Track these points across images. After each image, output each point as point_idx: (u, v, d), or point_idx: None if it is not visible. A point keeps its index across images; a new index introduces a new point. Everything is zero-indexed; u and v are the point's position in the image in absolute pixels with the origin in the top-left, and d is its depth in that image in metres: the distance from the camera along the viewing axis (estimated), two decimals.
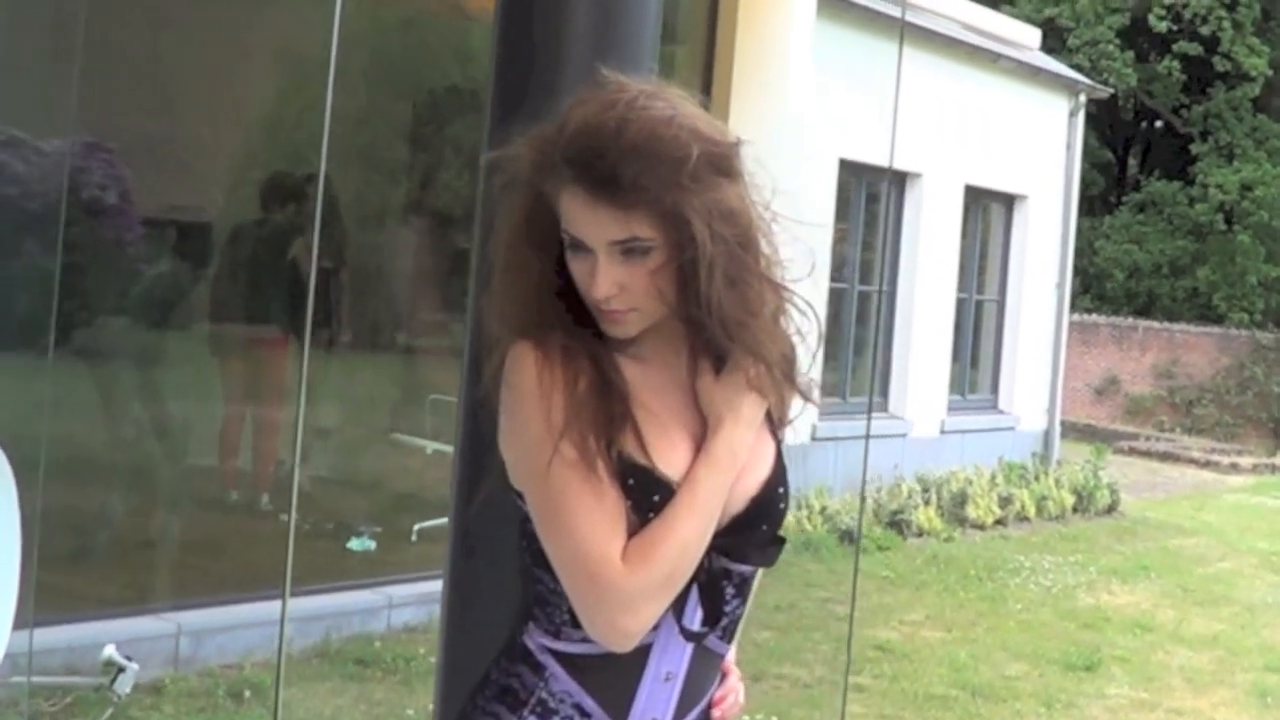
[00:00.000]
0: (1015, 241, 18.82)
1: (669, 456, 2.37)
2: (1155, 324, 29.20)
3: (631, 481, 2.33)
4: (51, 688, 6.69)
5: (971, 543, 14.10)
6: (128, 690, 4.76)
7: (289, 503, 9.56)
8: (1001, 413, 18.68)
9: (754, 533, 2.45)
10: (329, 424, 10.28)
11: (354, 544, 9.48)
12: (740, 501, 2.43)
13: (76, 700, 6.80)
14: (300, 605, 8.37)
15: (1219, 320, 30.08)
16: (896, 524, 13.86)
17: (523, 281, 2.40)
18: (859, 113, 13.90)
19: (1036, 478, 16.78)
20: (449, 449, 3.52)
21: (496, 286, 2.44)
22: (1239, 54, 30.81)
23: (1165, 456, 24.06)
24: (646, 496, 2.33)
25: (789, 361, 2.49)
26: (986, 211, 18.48)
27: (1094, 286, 32.54)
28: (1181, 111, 33.35)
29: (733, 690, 2.63)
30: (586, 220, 2.30)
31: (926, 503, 14.46)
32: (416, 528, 9.61)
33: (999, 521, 15.04)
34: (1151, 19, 31.24)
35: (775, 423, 2.55)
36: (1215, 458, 24.01)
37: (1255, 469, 23.69)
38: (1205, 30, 30.95)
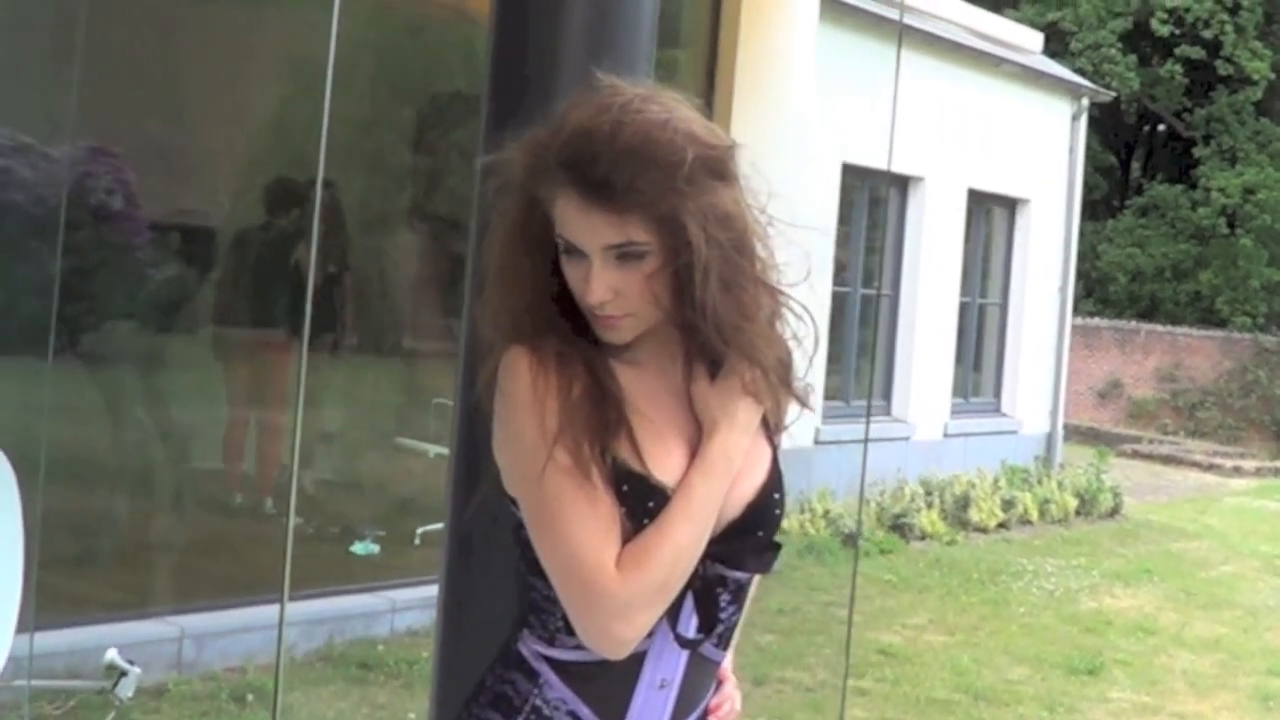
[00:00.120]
0: (1018, 245, 18.83)
1: (664, 463, 2.35)
2: (1158, 327, 29.20)
3: (626, 488, 2.30)
4: (55, 691, 6.70)
5: (974, 546, 14.09)
6: (130, 694, 4.76)
7: (294, 506, 9.59)
8: (1004, 416, 18.69)
9: (750, 539, 2.43)
10: (333, 428, 10.29)
11: (358, 548, 9.49)
12: (736, 508, 2.40)
13: (80, 704, 6.81)
14: (304, 609, 8.39)
15: (1222, 324, 30.09)
16: (899, 527, 13.86)
17: (517, 287, 2.38)
18: (861, 117, 13.91)
19: (1039, 481, 16.79)
20: None
21: (490, 292, 2.42)
22: (1241, 58, 30.82)
23: (1168, 460, 24.06)
24: (641, 503, 2.30)
25: (785, 366, 2.47)
26: (989, 215, 18.49)
27: (1097, 290, 32.55)
28: (1184, 115, 33.36)
29: (729, 698, 2.60)
30: (581, 224, 2.28)
31: (929, 506, 14.46)
32: (420, 531, 9.62)
33: (1002, 525, 15.04)
34: (1154, 23, 31.24)
35: (771, 428, 2.52)
36: (1218, 461, 24.01)
37: (1258, 472, 23.68)
38: (1207, 34, 30.95)
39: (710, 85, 10.83)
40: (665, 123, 2.28)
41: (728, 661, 2.58)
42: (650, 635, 2.33)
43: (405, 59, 10.65)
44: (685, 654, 2.39)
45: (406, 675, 8.13)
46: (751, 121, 10.72)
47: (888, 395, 16.63)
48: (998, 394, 18.83)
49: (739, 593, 2.45)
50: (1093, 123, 22.27)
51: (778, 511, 2.48)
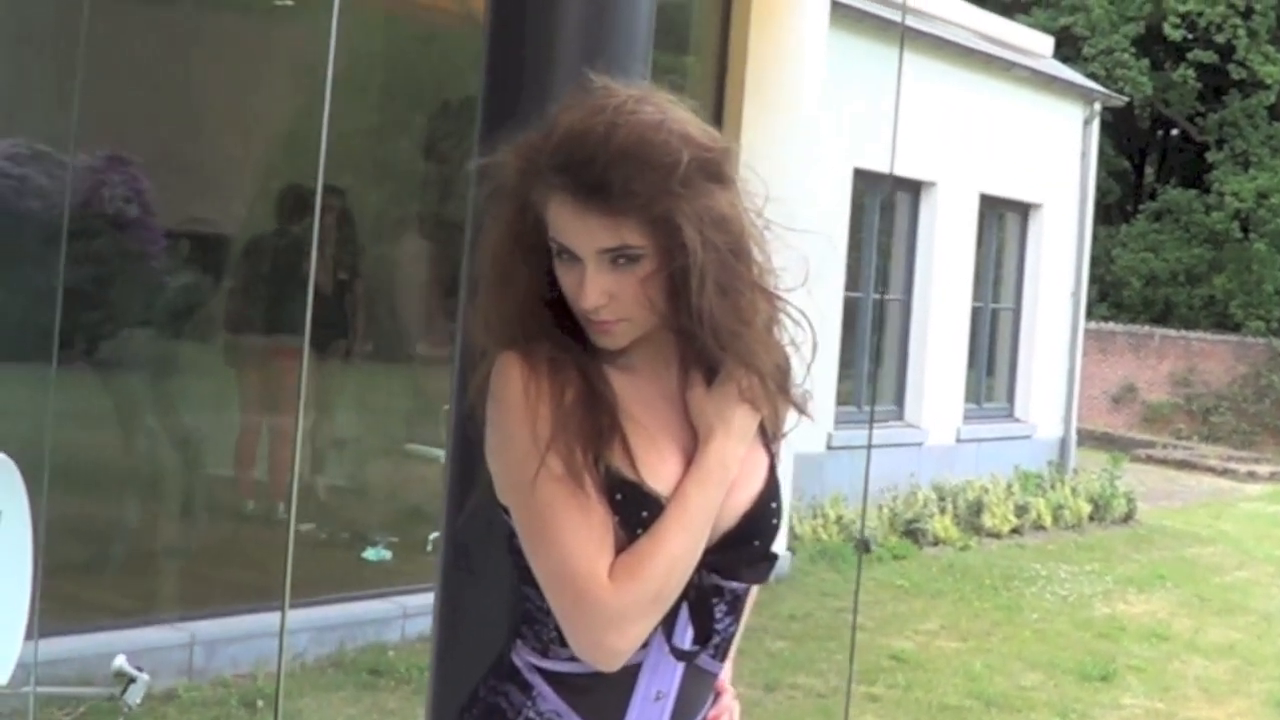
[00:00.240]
0: (1030, 250, 18.81)
1: (658, 471, 2.30)
2: (1172, 332, 29.17)
3: (619, 496, 2.26)
4: (64, 698, 6.70)
5: (987, 551, 14.08)
6: (138, 701, 4.76)
7: (306, 513, 9.59)
8: (1017, 421, 18.66)
9: (746, 549, 2.39)
10: (345, 434, 10.30)
11: (369, 554, 9.50)
12: (732, 517, 2.35)
13: (89, 710, 6.82)
14: (315, 615, 8.40)
15: (1236, 328, 30.06)
16: (912, 533, 13.84)
17: (509, 292, 2.34)
18: (872, 122, 13.89)
19: (1053, 486, 16.76)
20: None
21: (482, 297, 2.38)
22: (1254, 62, 30.79)
23: (1182, 464, 24.03)
24: (635, 512, 2.26)
25: (783, 372, 2.43)
26: (1002, 220, 18.46)
27: (1111, 295, 32.53)
28: (1197, 120, 33.34)
29: (726, 710, 2.55)
30: (575, 228, 2.24)
31: (942, 511, 14.45)
32: (432, 537, 9.60)
33: (1015, 530, 15.02)
34: (1166, 27, 31.23)
35: (769, 436, 2.47)
36: (1232, 466, 23.97)
37: (1272, 477, 23.63)
38: (1220, 38, 30.93)
39: (720, 91, 10.83)
40: (660, 124, 2.23)
41: (726, 673, 2.53)
42: (645, 647, 2.28)
43: (417, 67, 10.67)
44: (681, 666, 2.35)
45: (417, 681, 8.12)
46: (762, 127, 10.72)
47: (900, 401, 16.61)
48: (1011, 399, 18.80)
49: (736, 603, 2.40)
50: (1105, 127, 22.28)
51: (775, 521, 2.42)
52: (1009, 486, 16.08)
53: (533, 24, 2.84)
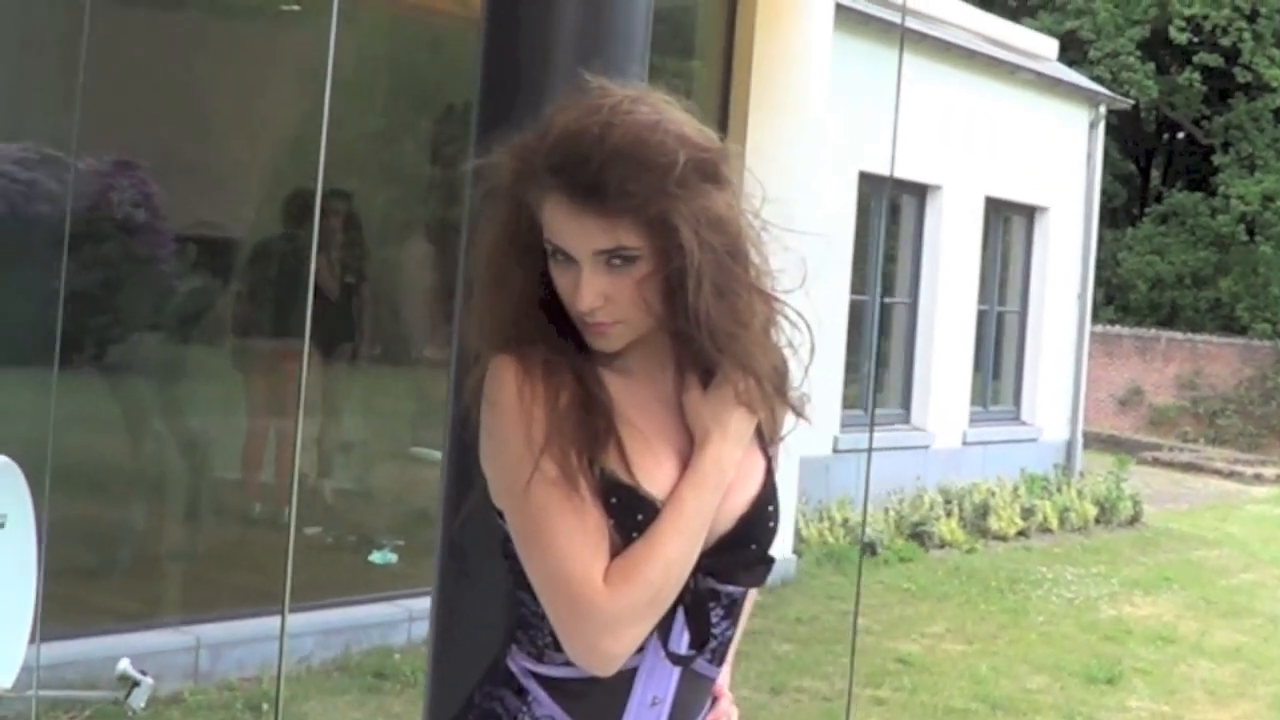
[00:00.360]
0: (1036, 253, 18.81)
1: (654, 474, 2.28)
2: (1178, 335, 29.15)
3: (614, 500, 2.24)
4: (69, 701, 6.71)
5: (994, 554, 14.07)
6: (142, 704, 4.76)
7: (312, 516, 9.61)
8: (1024, 424, 18.65)
9: (742, 553, 2.36)
10: (351, 438, 10.31)
11: (375, 557, 9.50)
12: (728, 520, 2.33)
13: (95, 714, 6.83)
14: (321, 618, 8.41)
15: (1242, 331, 30.05)
16: (918, 535, 13.84)
17: (504, 294, 2.32)
18: (878, 125, 13.89)
19: (1059, 489, 16.77)
20: None
21: (477, 299, 2.37)
22: (1259, 65, 30.79)
23: (1188, 467, 24.01)
24: (630, 516, 2.24)
25: (780, 375, 2.40)
26: (1008, 223, 18.46)
27: (1117, 298, 32.54)
28: (1203, 123, 33.35)
29: (724, 715, 2.52)
30: (570, 229, 2.22)
31: (949, 514, 14.45)
32: None
33: (1021, 533, 15.02)
34: (1172, 31, 31.22)
35: (766, 439, 2.45)
36: (1239, 468, 23.96)
37: (1279, 479, 23.61)
38: (1225, 41, 30.93)
39: (726, 95, 10.83)
40: (656, 124, 2.22)
41: (724, 678, 2.51)
42: (641, 651, 2.27)
43: (423, 70, 10.67)
44: (677, 670, 2.33)
45: (422, 684, 8.12)
46: (767, 130, 10.73)
47: (906, 404, 16.60)
48: (1017, 402, 18.79)
49: (732, 607, 2.39)
50: (1111, 131, 22.26)
51: (772, 524, 2.40)
52: (1015, 489, 16.09)
53: (528, 25, 2.82)
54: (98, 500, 8.50)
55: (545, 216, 2.25)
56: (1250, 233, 31.25)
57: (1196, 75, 31.92)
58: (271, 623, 7.89)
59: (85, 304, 8.34)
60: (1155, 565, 14.31)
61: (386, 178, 10.54)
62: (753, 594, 2.50)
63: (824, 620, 10.51)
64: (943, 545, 13.90)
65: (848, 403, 15.01)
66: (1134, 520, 16.77)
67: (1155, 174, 37.65)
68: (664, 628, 2.28)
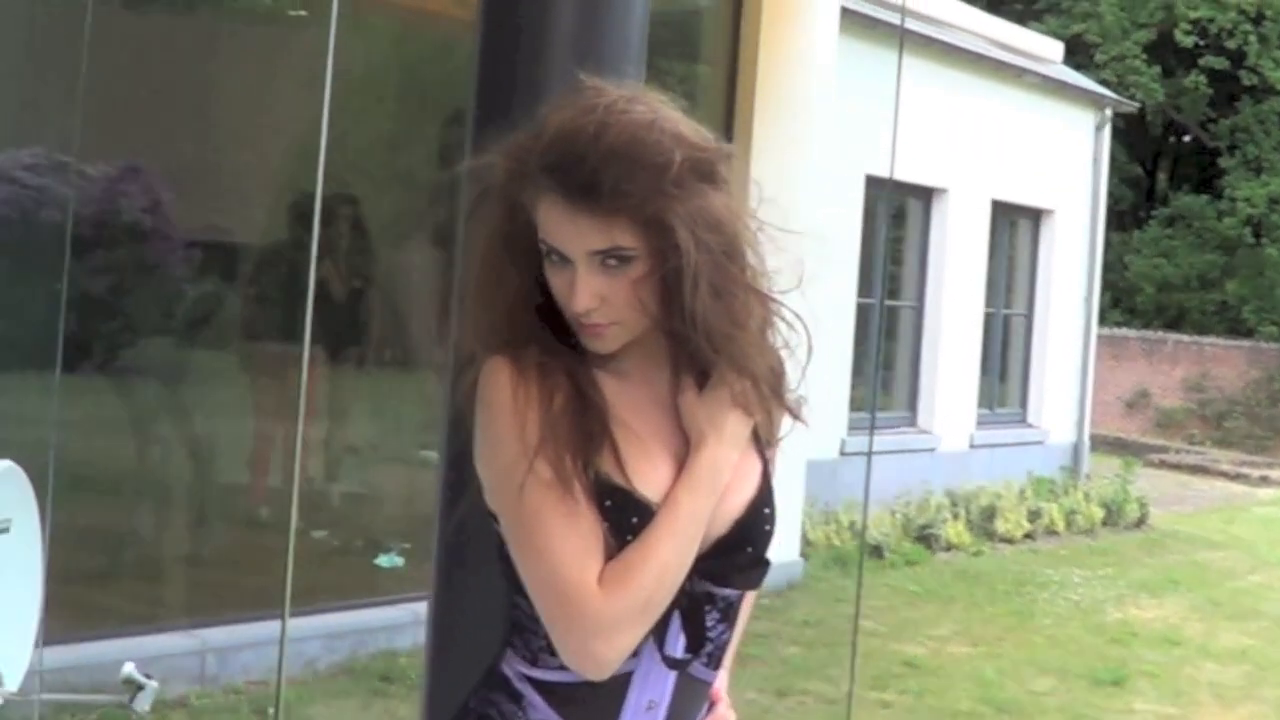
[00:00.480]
0: (1043, 256, 18.81)
1: (649, 477, 2.27)
2: (1185, 337, 29.14)
3: (609, 503, 2.22)
4: (74, 705, 6.73)
5: (1000, 557, 14.08)
6: (147, 708, 4.76)
7: (319, 520, 9.62)
8: (1030, 426, 18.65)
9: (739, 555, 2.34)
10: (359, 441, 10.32)
11: (382, 560, 9.51)
12: (724, 523, 2.31)
13: (100, 717, 6.84)
14: (327, 621, 8.43)
15: (1248, 333, 30.05)
16: (925, 538, 13.84)
17: (498, 295, 2.31)
18: (885, 129, 13.88)
19: (1065, 491, 16.78)
20: None
21: (471, 300, 2.34)
22: (1265, 68, 30.79)
23: (1195, 469, 23.98)
24: (625, 518, 2.22)
25: (777, 376, 2.39)
26: (1014, 226, 18.46)
27: (1124, 300, 32.54)
28: (1209, 126, 33.35)
29: (722, 719, 2.50)
30: (566, 229, 2.20)
31: (955, 517, 14.45)
32: None
33: (1028, 535, 15.02)
34: (1178, 34, 31.22)
35: (762, 442, 2.42)
36: (1245, 470, 23.92)
37: None
38: (1231, 44, 30.93)
39: (731, 99, 10.84)
40: (651, 123, 2.20)
41: (722, 682, 2.49)
42: (636, 655, 2.25)
43: (433, 75, 10.69)
44: (673, 675, 2.31)
45: None
46: (773, 134, 10.74)
47: (913, 406, 16.61)
48: (1023, 404, 18.79)
49: (729, 610, 2.37)
50: (1118, 134, 22.27)
51: (768, 527, 2.38)
52: (1022, 492, 16.09)
53: (525, 25, 2.82)
54: (107, 504, 8.53)
55: (540, 217, 2.23)
56: (1257, 235, 31.25)
57: (1202, 78, 31.92)
58: (278, 626, 7.90)
59: (95, 309, 8.36)
60: (1162, 567, 14.30)
61: (394, 182, 10.55)
62: (750, 597, 2.48)
63: (830, 623, 10.51)
64: (949, 548, 13.90)
65: (855, 406, 15.02)
66: (1141, 523, 16.77)
67: (1162, 177, 37.63)
68: (659, 631, 2.26)
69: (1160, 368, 28.34)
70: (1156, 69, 31.97)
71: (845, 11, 12.39)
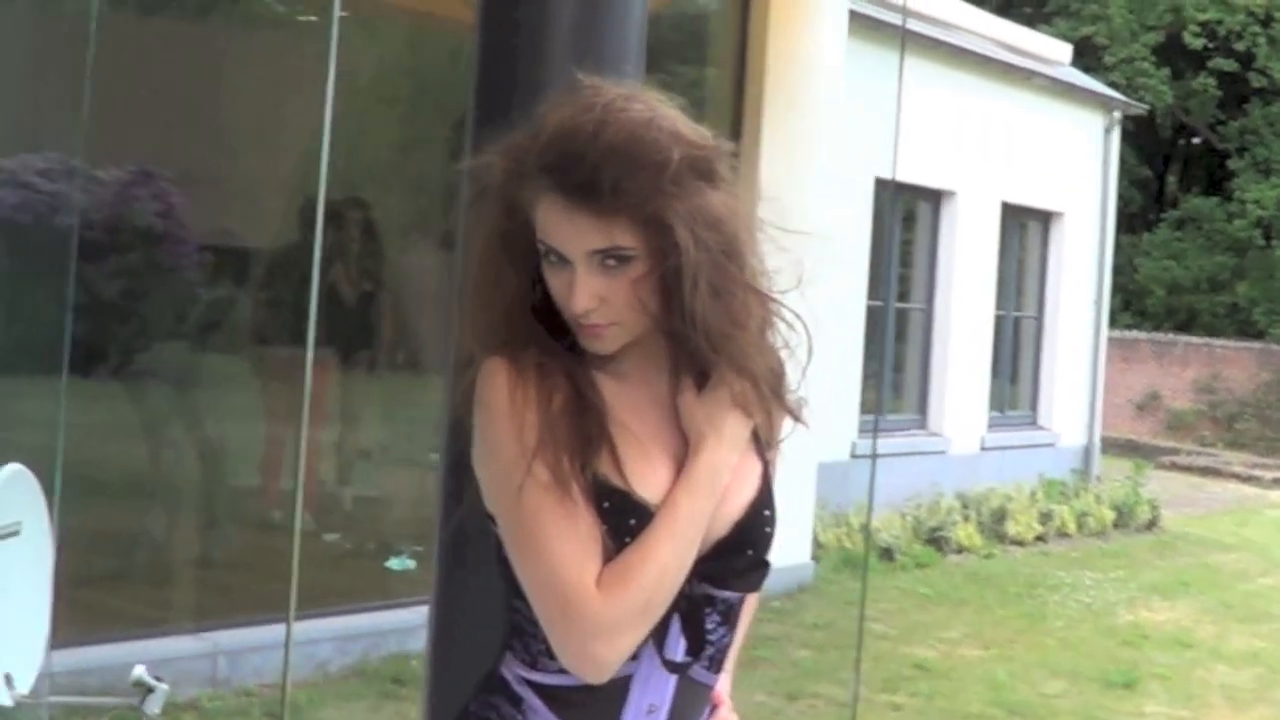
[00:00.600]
0: (1052, 258, 18.81)
1: (648, 479, 2.25)
2: (1195, 339, 29.10)
3: (607, 504, 2.21)
4: (85, 708, 6.73)
5: (1012, 559, 14.07)
6: (158, 710, 4.77)
7: (332, 523, 9.64)
8: (1041, 429, 18.65)
9: (739, 558, 2.32)
10: (370, 445, 10.33)
11: (393, 563, 9.52)
12: (724, 525, 2.30)
13: (113, 719, 6.84)
14: (339, 624, 8.44)
15: (1259, 335, 30.03)
16: (936, 541, 13.83)
17: (496, 296, 2.30)
18: (894, 131, 13.90)
19: (1076, 494, 16.76)
20: None
21: (470, 301, 2.33)
22: (1274, 70, 30.79)
23: (1206, 471, 23.94)
24: (623, 520, 2.21)
25: (777, 376, 2.37)
26: (1023, 228, 18.46)
27: (1134, 303, 32.53)
28: (1218, 128, 33.34)
29: None
30: (564, 229, 2.19)
31: (966, 519, 14.44)
32: None
33: (1039, 538, 15.01)
34: (1186, 36, 31.22)
35: (763, 443, 2.41)
36: (1257, 472, 23.88)
37: None
38: (1240, 46, 30.93)
39: (740, 103, 10.84)
40: (650, 121, 2.19)
41: (724, 685, 2.48)
42: (636, 659, 2.23)
43: (445, 79, 10.71)
44: (674, 678, 2.29)
45: None
46: (782, 137, 10.74)
47: (923, 409, 16.61)
48: (1034, 407, 18.79)
49: (729, 613, 2.35)
50: (1127, 136, 22.25)
51: (768, 529, 2.36)
52: (1033, 494, 16.08)
53: (524, 24, 2.80)
54: (120, 508, 8.56)
55: (538, 217, 2.22)
56: (1267, 237, 31.25)
57: (1211, 80, 31.92)
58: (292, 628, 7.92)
59: (109, 313, 8.39)
60: (1173, 570, 14.29)
61: (406, 185, 10.57)
62: (752, 600, 2.46)
63: (841, 626, 10.50)
64: (960, 550, 13.89)
65: (865, 408, 15.02)
66: (1152, 525, 16.76)
67: (1171, 179, 37.63)
68: (659, 634, 2.25)
69: (1171, 370, 28.31)
70: (1165, 71, 31.97)
71: (853, 15, 12.39)
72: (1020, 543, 14.71)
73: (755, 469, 2.38)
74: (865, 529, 13.11)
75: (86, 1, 4.65)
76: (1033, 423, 18.67)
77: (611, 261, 2.20)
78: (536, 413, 2.21)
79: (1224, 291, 31.85)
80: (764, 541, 2.35)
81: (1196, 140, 36.25)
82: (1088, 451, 19.29)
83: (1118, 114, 19.79)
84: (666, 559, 2.21)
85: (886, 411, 16.13)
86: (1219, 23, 30.94)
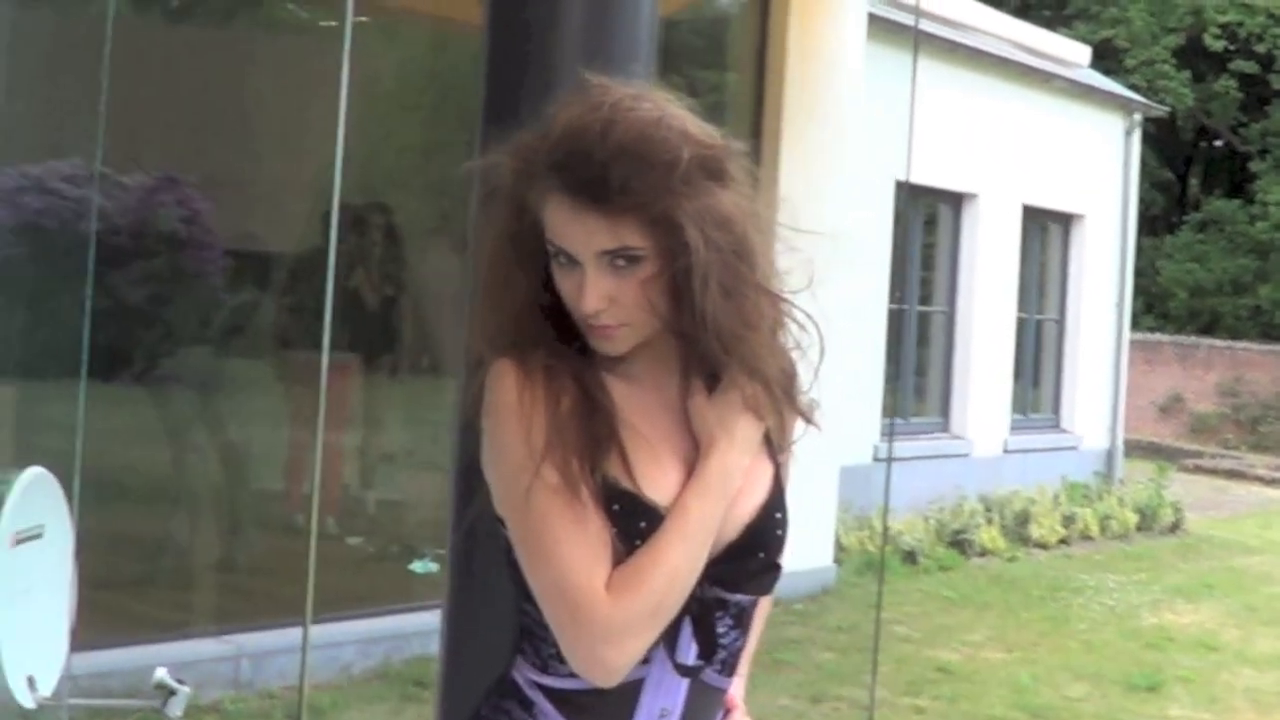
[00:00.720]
0: (1074, 261, 18.79)
1: (658, 481, 2.23)
2: (1219, 342, 29.05)
3: (616, 507, 2.19)
4: (107, 710, 6.75)
5: (1035, 562, 14.04)
6: (179, 713, 4.78)
7: (355, 526, 9.65)
8: (1064, 432, 18.63)
9: (750, 561, 2.30)
10: (393, 448, 10.35)
11: (416, 566, 9.53)
12: (735, 528, 2.27)
13: None
14: (362, 627, 8.46)
15: None
16: (959, 543, 13.82)
17: (505, 298, 2.28)
18: (915, 134, 13.89)
19: (1100, 496, 16.73)
20: None
21: (478, 303, 2.32)
22: None
23: (1230, 474, 23.88)
24: (632, 523, 2.19)
25: (789, 377, 2.35)
26: (1045, 231, 18.44)
27: (1157, 305, 32.48)
28: (1240, 130, 33.26)
29: None
30: (573, 229, 2.17)
31: (989, 522, 14.42)
32: None
33: (1062, 541, 14.99)
34: (1207, 38, 31.18)
35: (774, 446, 2.38)
36: None
37: None
38: (1261, 48, 30.88)
39: (760, 107, 10.84)
40: (659, 120, 2.17)
41: (738, 689, 2.45)
42: (647, 662, 2.22)
43: (466, 84, 10.75)
44: (686, 682, 2.26)
45: None
46: (802, 141, 10.74)
47: (946, 412, 16.60)
48: (1057, 410, 18.77)
49: (741, 617, 2.32)
50: (1149, 139, 22.25)
51: (779, 532, 2.33)
52: (1056, 497, 16.06)
53: (534, 25, 2.79)
54: (145, 512, 8.58)
55: (547, 217, 2.20)
56: None
57: (1232, 82, 31.86)
58: (315, 631, 7.90)
59: (134, 318, 8.41)
60: (1197, 573, 14.25)
61: (428, 189, 10.59)
62: (765, 603, 2.43)
63: (864, 629, 10.48)
64: (983, 553, 13.87)
65: (888, 412, 15.01)
66: (1175, 527, 16.72)
67: (1193, 181, 37.58)
68: (670, 638, 2.23)
69: (1194, 372, 28.25)
70: (1186, 74, 31.92)
71: (872, 18, 12.39)
72: (1043, 545, 14.69)
73: (767, 472, 2.36)
74: (883, 531, 13.09)
75: (104, 6, 4.66)
76: (1055, 425, 18.64)
77: (621, 262, 2.18)
78: (545, 415, 2.19)
79: (1247, 294, 31.78)
80: (776, 544, 2.33)
81: (1218, 143, 36.20)
82: (1110, 454, 19.26)
83: (1138, 116, 19.76)
84: (677, 562, 2.19)
85: (909, 415, 16.12)
86: (1239, 25, 30.88)
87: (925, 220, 16.44)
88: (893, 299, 15.16)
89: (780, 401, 2.34)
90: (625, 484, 2.21)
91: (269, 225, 9.48)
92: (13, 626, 4.20)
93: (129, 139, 7.80)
